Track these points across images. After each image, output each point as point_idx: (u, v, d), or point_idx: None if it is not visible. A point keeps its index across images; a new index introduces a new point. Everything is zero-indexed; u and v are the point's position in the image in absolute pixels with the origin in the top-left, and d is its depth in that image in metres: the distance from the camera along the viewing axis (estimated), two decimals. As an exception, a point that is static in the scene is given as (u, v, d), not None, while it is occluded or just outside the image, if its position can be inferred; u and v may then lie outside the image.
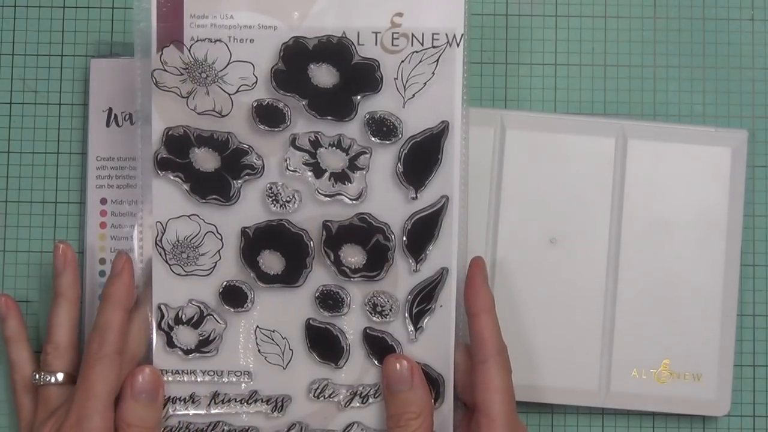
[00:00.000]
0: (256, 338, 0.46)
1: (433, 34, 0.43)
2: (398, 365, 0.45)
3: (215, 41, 0.43)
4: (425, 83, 0.44)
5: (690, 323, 0.51)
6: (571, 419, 0.52)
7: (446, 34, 0.43)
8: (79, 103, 0.53)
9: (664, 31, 0.54)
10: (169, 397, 0.46)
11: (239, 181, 0.45)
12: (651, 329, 0.51)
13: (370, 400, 0.46)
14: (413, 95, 0.44)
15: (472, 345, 0.44)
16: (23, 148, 0.53)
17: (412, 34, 0.43)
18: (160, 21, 0.43)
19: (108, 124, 0.52)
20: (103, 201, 0.52)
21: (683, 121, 0.53)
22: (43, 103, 0.53)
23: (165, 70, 0.44)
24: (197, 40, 0.43)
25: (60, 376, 0.47)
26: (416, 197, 0.44)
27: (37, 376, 0.47)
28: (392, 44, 0.43)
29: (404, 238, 0.45)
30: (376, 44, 0.43)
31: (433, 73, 0.44)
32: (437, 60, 0.43)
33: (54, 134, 0.53)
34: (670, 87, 0.53)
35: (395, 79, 0.44)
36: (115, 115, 0.52)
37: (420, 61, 0.43)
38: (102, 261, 0.52)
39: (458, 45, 0.43)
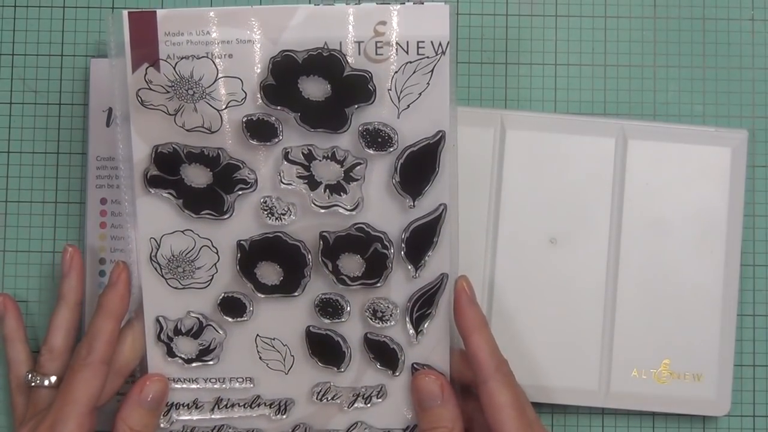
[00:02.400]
0: (257, 346, 0.46)
1: (418, 42, 0.43)
2: (428, 381, 0.45)
3: (200, 57, 0.43)
4: (420, 93, 0.43)
5: (690, 323, 0.51)
6: (571, 419, 0.52)
7: (432, 42, 0.43)
8: (79, 103, 0.53)
9: (664, 31, 0.54)
10: (173, 403, 0.46)
11: (232, 195, 0.44)
12: (651, 329, 0.51)
13: (374, 400, 0.46)
14: (408, 105, 0.43)
15: (470, 366, 0.44)
16: (23, 148, 0.53)
17: (397, 43, 0.43)
18: (133, 39, 0.43)
19: (108, 124, 0.52)
20: (103, 201, 0.52)
21: (683, 121, 0.53)
22: (43, 103, 0.53)
23: (150, 89, 0.43)
24: (181, 58, 0.43)
25: (53, 380, 0.47)
26: (413, 206, 0.44)
27: (29, 377, 0.47)
28: (376, 53, 0.43)
29: (402, 246, 0.44)
30: (359, 54, 0.43)
31: (428, 83, 0.43)
32: (432, 70, 0.43)
33: (54, 134, 0.53)
34: (670, 87, 0.53)
35: (389, 90, 0.43)
36: (116, 115, 0.52)
37: (414, 72, 0.43)
38: (102, 261, 0.52)
39: (444, 53, 0.43)
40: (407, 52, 0.43)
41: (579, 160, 0.51)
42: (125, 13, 0.42)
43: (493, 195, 0.51)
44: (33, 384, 0.47)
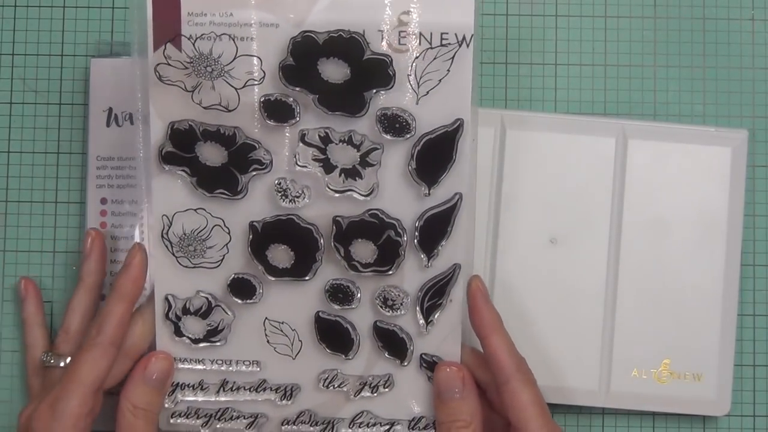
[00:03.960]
0: (265, 329, 0.46)
1: (442, 34, 0.42)
2: (449, 372, 0.45)
3: (220, 35, 0.43)
4: (440, 80, 0.43)
5: (690, 323, 0.51)
6: (571, 419, 0.52)
7: (456, 35, 0.42)
8: (79, 103, 0.53)
9: (664, 31, 0.54)
10: (178, 383, 0.47)
11: (247, 175, 0.44)
12: (651, 329, 0.51)
13: (380, 390, 0.46)
14: (427, 92, 0.43)
15: (490, 366, 0.44)
16: (23, 148, 0.53)
17: (420, 33, 0.42)
18: (156, 20, 0.42)
19: (108, 124, 0.52)
20: (103, 201, 0.52)
21: (683, 121, 0.53)
22: (43, 103, 0.53)
23: (169, 65, 0.43)
24: (201, 35, 0.43)
25: (68, 360, 0.47)
26: (429, 194, 0.44)
27: (44, 357, 0.48)
28: (399, 43, 0.43)
29: (416, 234, 0.44)
30: (382, 42, 0.42)
31: (448, 71, 0.43)
32: (452, 57, 0.43)
33: (54, 134, 0.53)
34: (670, 87, 0.53)
35: (408, 75, 0.43)
36: (116, 115, 0.52)
37: (435, 58, 0.43)
38: (102, 261, 0.52)
39: (468, 46, 0.43)
40: (430, 43, 0.43)
41: (579, 160, 0.51)
42: None
43: (493, 195, 0.51)
44: (47, 364, 0.47)
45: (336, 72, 0.43)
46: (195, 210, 0.45)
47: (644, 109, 0.53)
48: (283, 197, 0.44)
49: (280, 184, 0.44)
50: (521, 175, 0.51)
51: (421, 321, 0.46)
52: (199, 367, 0.47)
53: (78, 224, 0.53)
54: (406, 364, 0.46)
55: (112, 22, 0.54)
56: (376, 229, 0.44)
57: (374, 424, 0.47)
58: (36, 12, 0.54)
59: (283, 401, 0.47)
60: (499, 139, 0.51)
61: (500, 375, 0.43)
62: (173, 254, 0.45)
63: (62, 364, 0.47)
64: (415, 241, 0.44)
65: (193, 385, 0.47)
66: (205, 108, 0.44)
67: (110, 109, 0.52)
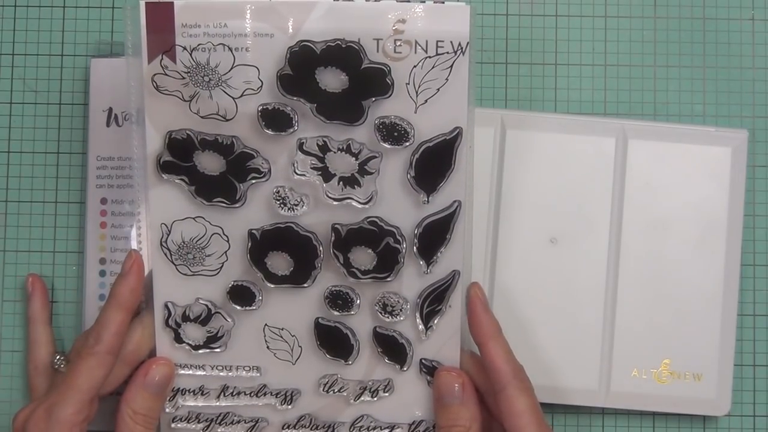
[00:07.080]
0: (265, 335, 0.46)
1: (437, 42, 0.42)
2: (449, 377, 0.45)
3: (217, 45, 0.43)
4: (438, 89, 0.43)
5: (690, 323, 0.51)
6: (571, 419, 0.52)
7: (451, 42, 0.42)
8: (79, 103, 0.53)
9: (664, 31, 0.54)
10: (179, 388, 0.47)
11: (245, 184, 0.44)
12: (651, 329, 0.51)
13: (380, 394, 0.47)
14: (426, 101, 0.43)
15: (487, 373, 0.44)
16: (23, 148, 0.53)
17: (416, 42, 0.42)
18: (150, 31, 0.42)
19: (108, 124, 0.52)
20: (103, 201, 0.52)
21: (683, 121, 0.53)
22: (43, 103, 0.53)
23: (166, 74, 0.43)
24: (198, 45, 0.43)
25: None
26: (428, 201, 0.44)
27: (56, 360, 0.48)
28: (395, 51, 0.42)
29: (415, 241, 0.44)
30: (377, 51, 0.42)
31: (447, 79, 0.43)
32: (451, 66, 0.43)
33: (54, 134, 0.53)
34: (670, 87, 0.53)
35: (407, 84, 0.43)
36: (116, 114, 0.52)
37: (433, 67, 0.43)
38: (102, 261, 0.52)
39: (464, 54, 0.43)
40: (426, 51, 0.42)
41: (579, 160, 0.51)
42: (142, 3, 0.42)
43: (493, 195, 0.51)
44: (55, 367, 0.48)
45: (334, 81, 0.43)
46: (194, 218, 0.45)
47: (644, 109, 0.53)
48: (282, 205, 0.44)
49: (278, 192, 0.44)
50: (521, 175, 0.51)
51: (421, 327, 0.46)
52: (200, 372, 0.47)
53: (78, 224, 0.53)
54: (405, 369, 0.46)
55: (112, 22, 0.54)
56: (375, 236, 0.44)
57: (374, 428, 0.47)
58: (36, 12, 0.54)
59: (284, 406, 0.47)
60: (499, 139, 0.51)
61: (497, 382, 0.44)
62: (172, 262, 0.45)
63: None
64: (414, 248, 0.45)
65: (194, 391, 0.47)
66: (202, 117, 0.44)
67: (110, 109, 0.52)
